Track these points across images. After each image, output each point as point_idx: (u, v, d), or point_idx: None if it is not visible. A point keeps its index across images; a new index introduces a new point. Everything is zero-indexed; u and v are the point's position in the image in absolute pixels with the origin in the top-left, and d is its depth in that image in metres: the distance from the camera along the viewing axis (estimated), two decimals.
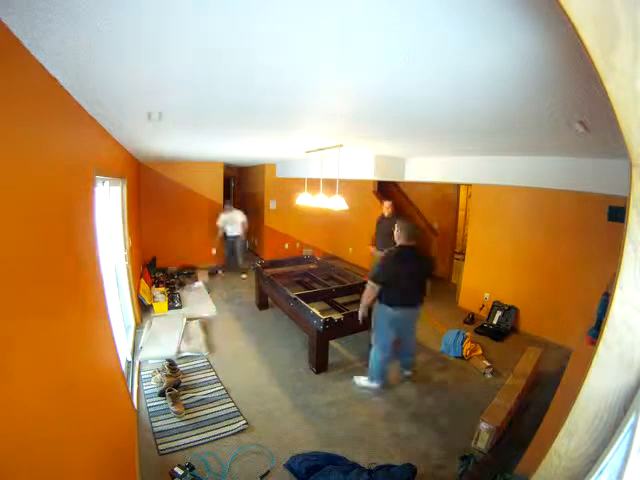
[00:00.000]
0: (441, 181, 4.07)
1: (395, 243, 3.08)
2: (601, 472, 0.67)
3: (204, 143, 3.52)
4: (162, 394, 2.75)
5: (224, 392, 2.91)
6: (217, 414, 2.63)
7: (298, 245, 7.61)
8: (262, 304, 4.80)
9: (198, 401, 2.78)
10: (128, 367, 3.17)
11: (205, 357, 3.48)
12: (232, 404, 2.75)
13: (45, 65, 1.17)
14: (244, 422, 2.53)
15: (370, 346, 3.09)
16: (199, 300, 5.05)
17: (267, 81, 1.34)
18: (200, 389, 2.95)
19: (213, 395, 2.86)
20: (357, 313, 3.42)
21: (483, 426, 2.35)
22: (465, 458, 2.19)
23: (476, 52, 0.97)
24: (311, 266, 5.56)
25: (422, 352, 3.77)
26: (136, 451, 2.19)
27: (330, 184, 4.25)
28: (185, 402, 2.74)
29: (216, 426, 2.50)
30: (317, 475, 2.01)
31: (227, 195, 7.96)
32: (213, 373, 3.20)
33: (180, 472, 2.03)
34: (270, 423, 2.58)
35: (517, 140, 2.38)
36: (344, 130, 2.51)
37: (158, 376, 2.95)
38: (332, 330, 3.11)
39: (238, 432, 2.45)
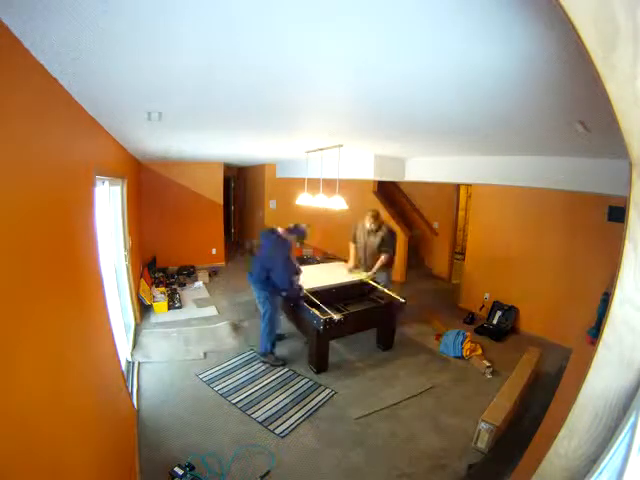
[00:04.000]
0: (441, 181, 4.07)
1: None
2: (601, 472, 0.67)
3: (204, 143, 3.52)
4: None
5: None
6: None
7: (298, 245, 7.61)
8: None
9: None
10: (128, 367, 3.18)
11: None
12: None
13: (45, 65, 1.17)
14: None
15: None
16: (199, 301, 5.06)
17: (267, 82, 1.34)
18: None
19: None
20: (357, 313, 3.43)
21: (483, 426, 2.35)
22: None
23: (476, 52, 0.97)
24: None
25: (422, 352, 3.78)
26: (136, 451, 2.19)
27: (330, 184, 4.25)
28: None
29: None
30: None
31: (227, 195, 7.93)
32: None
33: (180, 472, 2.03)
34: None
35: (517, 140, 2.38)
36: (344, 130, 2.51)
37: None
38: (332, 330, 3.11)
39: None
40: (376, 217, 4.08)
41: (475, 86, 1.26)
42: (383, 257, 4.04)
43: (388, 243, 4.06)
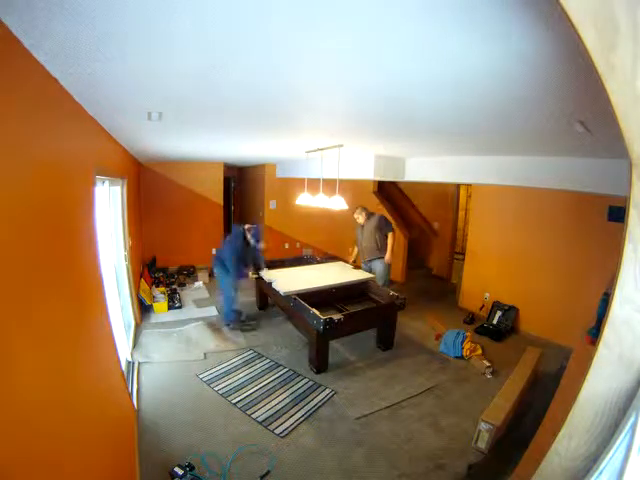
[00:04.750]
0: (441, 181, 4.07)
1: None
2: (601, 472, 0.67)
3: (204, 143, 3.52)
4: None
5: None
6: None
7: (298, 245, 7.61)
8: (262, 304, 4.80)
9: None
10: (128, 367, 3.18)
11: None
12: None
13: (45, 65, 1.17)
14: None
15: None
16: (199, 301, 5.05)
17: (268, 82, 1.34)
18: None
19: None
20: (357, 313, 3.43)
21: (483, 426, 2.35)
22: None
23: (476, 52, 0.97)
24: None
25: (422, 352, 3.78)
26: (136, 451, 2.19)
27: (330, 184, 4.25)
28: None
29: None
30: None
31: (227, 195, 7.92)
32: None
33: (180, 472, 2.03)
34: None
35: (517, 140, 2.38)
36: (344, 130, 2.50)
37: None
38: (332, 330, 3.11)
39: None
40: (361, 211, 4.51)
41: (475, 85, 1.26)
42: (389, 237, 4.38)
43: (383, 225, 4.43)
